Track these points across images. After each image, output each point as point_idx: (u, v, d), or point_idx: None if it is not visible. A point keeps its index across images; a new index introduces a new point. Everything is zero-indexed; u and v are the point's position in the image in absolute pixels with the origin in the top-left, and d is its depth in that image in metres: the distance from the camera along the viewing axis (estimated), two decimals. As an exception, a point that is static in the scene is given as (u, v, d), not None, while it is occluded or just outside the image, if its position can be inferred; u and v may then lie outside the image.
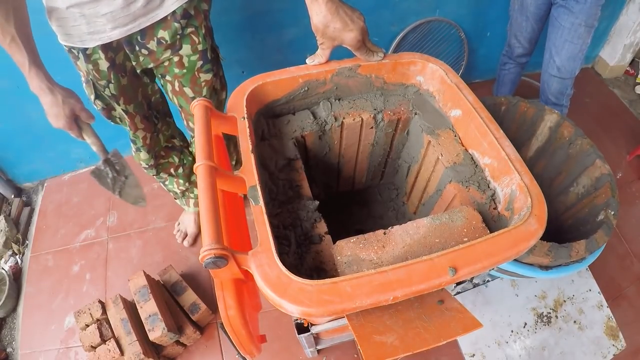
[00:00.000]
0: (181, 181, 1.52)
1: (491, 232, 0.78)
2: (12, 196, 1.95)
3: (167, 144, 1.39)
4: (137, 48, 0.99)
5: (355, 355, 1.44)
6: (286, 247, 0.77)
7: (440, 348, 1.39)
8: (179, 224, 1.75)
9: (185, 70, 1.07)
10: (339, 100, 1.04)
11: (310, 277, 0.67)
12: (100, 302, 1.39)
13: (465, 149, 0.94)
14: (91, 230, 1.82)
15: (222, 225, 0.67)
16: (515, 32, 1.73)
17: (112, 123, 1.20)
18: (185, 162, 1.48)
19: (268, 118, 1.00)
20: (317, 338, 1.19)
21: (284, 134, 0.98)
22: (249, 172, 0.77)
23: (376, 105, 1.03)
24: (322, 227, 0.83)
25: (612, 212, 1.11)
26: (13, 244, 1.79)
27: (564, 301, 1.49)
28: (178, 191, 1.56)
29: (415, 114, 1.04)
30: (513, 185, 0.78)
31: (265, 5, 1.62)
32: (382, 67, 0.99)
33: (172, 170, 1.46)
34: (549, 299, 1.49)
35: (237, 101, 0.89)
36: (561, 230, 1.34)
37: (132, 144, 1.27)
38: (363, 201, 1.38)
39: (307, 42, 1.84)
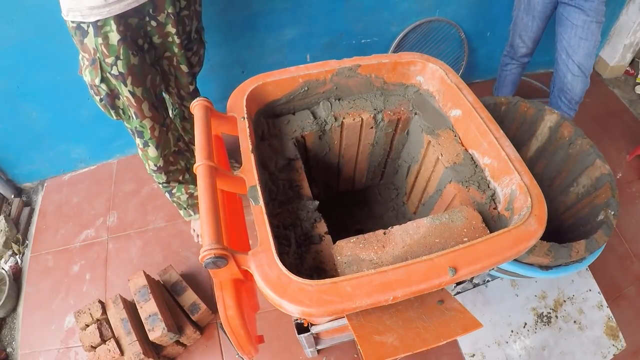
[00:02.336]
0: (191, 186, 1.51)
1: (491, 232, 0.78)
2: (12, 196, 1.95)
3: (175, 148, 1.36)
4: (147, 19, 1.04)
5: (355, 355, 1.44)
6: (286, 247, 0.77)
7: (440, 348, 1.39)
8: (194, 230, 1.75)
9: (183, 51, 1.18)
10: (339, 100, 1.04)
11: (310, 277, 0.67)
12: (100, 302, 1.39)
13: (465, 149, 0.94)
14: (91, 230, 1.82)
15: (222, 225, 0.67)
16: (520, 32, 1.72)
17: (114, 116, 1.15)
18: (188, 166, 1.47)
19: (268, 118, 1.00)
20: (317, 338, 1.19)
21: (284, 134, 0.98)
22: (249, 172, 0.77)
23: (376, 105, 1.03)
24: (322, 227, 0.83)
25: (612, 212, 1.11)
26: (13, 244, 1.79)
27: (564, 301, 1.49)
28: (184, 199, 1.54)
29: (415, 114, 1.04)
30: (513, 185, 0.78)
31: (265, 5, 1.62)
32: (382, 67, 0.99)
33: (180, 177, 1.44)
34: (549, 299, 1.49)
35: (237, 101, 0.89)
36: (561, 230, 1.34)
37: (138, 139, 1.22)
38: (363, 201, 1.38)
39: (307, 42, 1.84)
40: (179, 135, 1.40)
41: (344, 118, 1.01)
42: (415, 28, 1.92)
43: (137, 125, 1.18)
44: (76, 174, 2.03)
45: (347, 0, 1.71)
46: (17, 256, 1.78)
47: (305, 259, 0.78)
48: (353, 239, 0.76)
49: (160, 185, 1.45)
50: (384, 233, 0.77)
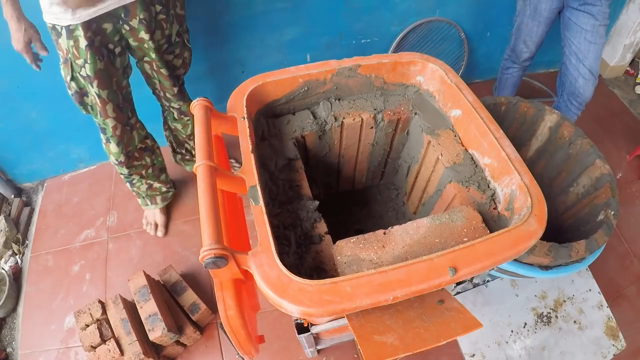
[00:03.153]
0: (150, 181, 1.61)
1: (491, 232, 0.78)
2: (12, 196, 1.95)
3: (141, 145, 1.45)
4: (120, 22, 1.09)
5: (355, 355, 1.44)
6: (286, 247, 0.77)
7: (440, 348, 1.38)
8: (145, 217, 1.79)
9: (160, 55, 1.22)
10: (339, 100, 1.04)
11: (310, 277, 0.67)
12: (100, 302, 1.39)
13: (465, 149, 0.94)
14: (91, 230, 1.82)
15: (222, 225, 0.67)
16: (525, 37, 1.71)
17: (83, 111, 1.24)
18: (155, 162, 1.57)
19: (268, 118, 1.00)
20: (317, 338, 1.19)
21: (284, 134, 0.98)
22: (249, 172, 0.77)
23: (376, 105, 1.03)
24: (322, 227, 0.83)
25: (612, 212, 1.11)
26: (13, 244, 1.79)
27: (564, 301, 1.49)
28: (144, 190, 1.62)
29: (415, 114, 1.04)
30: (513, 185, 0.78)
31: (265, 5, 1.62)
32: (382, 67, 0.99)
33: (143, 172, 1.53)
34: (549, 299, 1.49)
35: (237, 101, 0.89)
36: (561, 230, 1.34)
37: (102, 135, 1.33)
38: (363, 201, 1.38)
39: (307, 42, 1.84)
40: (147, 133, 1.47)
41: (344, 118, 1.01)
42: (415, 28, 1.92)
43: (101, 123, 1.27)
44: (76, 174, 2.03)
45: (347, 0, 1.71)
46: (17, 256, 1.78)
47: (305, 259, 0.78)
48: (353, 239, 0.76)
49: (122, 176, 1.53)
50: (384, 233, 0.77)
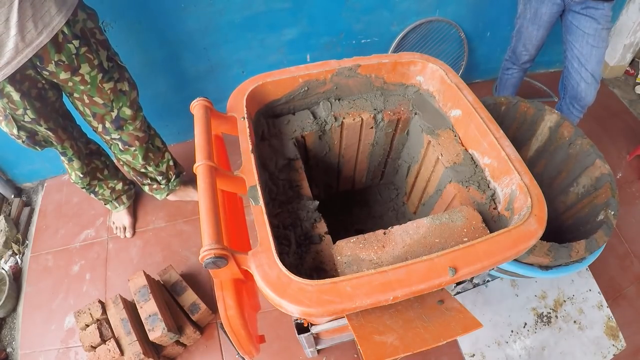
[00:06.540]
0: (111, 184, 1.64)
1: (491, 232, 0.78)
2: (12, 196, 1.95)
3: (87, 151, 1.48)
4: (38, 69, 1.09)
5: (355, 355, 1.44)
6: (286, 247, 0.77)
7: (440, 348, 1.39)
8: (113, 222, 1.80)
9: (89, 85, 1.17)
10: (339, 100, 1.04)
11: (310, 277, 0.67)
12: (100, 302, 1.39)
13: (465, 149, 0.94)
14: (91, 230, 1.82)
15: (222, 225, 0.67)
16: (525, 41, 1.71)
17: (39, 149, 1.28)
18: (108, 162, 1.61)
19: (268, 118, 1.00)
20: (317, 338, 1.19)
21: (284, 134, 0.98)
22: (249, 172, 0.77)
23: (376, 105, 1.03)
24: (322, 227, 0.83)
25: (612, 212, 1.11)
26: (13, 244, 1.79)
27: (564, 301, 1.49)
28: (108, 195, 1.65)
29: (415, 114, 1.04)
30: (513, 185, 0.78)
31: (265, 5, 1.62)
32: (382, 67, 0.99)
33: (99, 175, 1.57)
34: (549, 299, 1.49)
35: (237, 101, 0.89)
36: (561, 230, 1.34)
37: (63, 158, 1.39)
38: (363, 201, 1.39)
39: (307, 42, 1.84)
40: (86, 140, 1.50)
41: (344, 118, 1.01)
42: (415, 28, 1.91)
43: (60, 148, 1.32)
44: (76, 174, 2.03)
45: (347, 0, 1.71)
46: (17, 256, 1.77)
47: (305, 259, 0.78)
48: (353, 239, 0.76)
49: (85, 189, 1.57)
50: (384, 233, 0.77)
